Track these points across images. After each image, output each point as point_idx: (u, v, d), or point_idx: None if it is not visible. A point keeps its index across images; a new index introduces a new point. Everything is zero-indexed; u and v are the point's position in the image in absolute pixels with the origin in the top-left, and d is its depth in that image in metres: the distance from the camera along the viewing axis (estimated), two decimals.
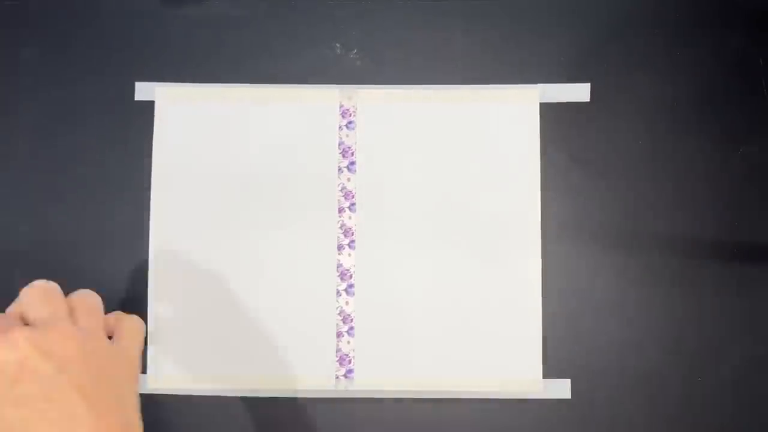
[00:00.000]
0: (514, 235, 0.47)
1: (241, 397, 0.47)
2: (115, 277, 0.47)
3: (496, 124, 0.48)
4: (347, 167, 0.48)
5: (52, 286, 0.37)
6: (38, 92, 0.49)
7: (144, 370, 0.47)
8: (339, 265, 0.47)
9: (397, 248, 0.47)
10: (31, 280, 0.45)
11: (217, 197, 0.48)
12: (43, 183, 0.48)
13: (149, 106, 0.48)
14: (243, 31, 0.49)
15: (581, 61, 0.49)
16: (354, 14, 0.49)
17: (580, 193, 0.48)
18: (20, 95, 0.49)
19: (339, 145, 0.48)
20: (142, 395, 0.47)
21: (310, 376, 0.47)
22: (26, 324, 0.35)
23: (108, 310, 0.47)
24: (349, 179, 0.48)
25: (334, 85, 0.49)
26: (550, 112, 0.48)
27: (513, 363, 0.47)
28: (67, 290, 0.37)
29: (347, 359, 0.47)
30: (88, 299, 0.38)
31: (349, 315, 0.47)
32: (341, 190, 0.48)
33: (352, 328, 0.47)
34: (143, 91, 0.49)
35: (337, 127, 0.48)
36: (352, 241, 0.48)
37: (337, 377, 0.47)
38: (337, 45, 0.49)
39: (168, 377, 0.47)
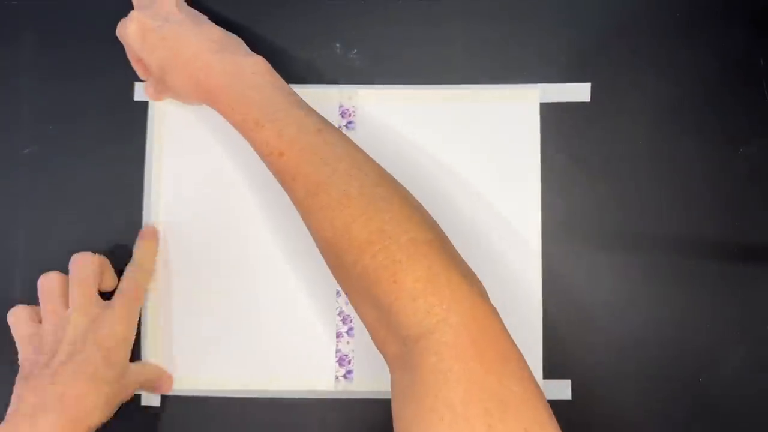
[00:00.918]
0: (514, 235, 0.47)
1: (241, 397, 0.47)
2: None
3: (496, 124, 0.48)
4: None
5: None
6: (38, 92, 0.49)
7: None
8: None
9: None
10: (30, 281, 0.45)
11: (216, 198, 0.48)
12: (43, 183, 0.48)
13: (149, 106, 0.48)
14: (242, 31, 0.49)
15: (581, 61, 0.49)
16: (354, 14, 0.49)
17: (580, 193, 0.48)
18: (20, 95, 0.49)
19: None
20: (141, 396, 0.47)
21: (309, 377, 0.47)
22: None
23: None
24: None
25: (334, 85, 0.49)
26: (550, 112, 0.48)
27: None
28: None
29: (347, 359, 0.47)
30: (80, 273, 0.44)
31: (348, 315, 0.47)
32: None
33: (351, 328, 0.47)
34: (143, 91, 0.48)
35: (337, 127, 0.48)
36: None
37: (336, 377, 0.47)
38: (337, 45, 0.49)
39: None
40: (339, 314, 0.47)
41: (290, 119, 0.39)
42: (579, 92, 0.48)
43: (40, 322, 0.44)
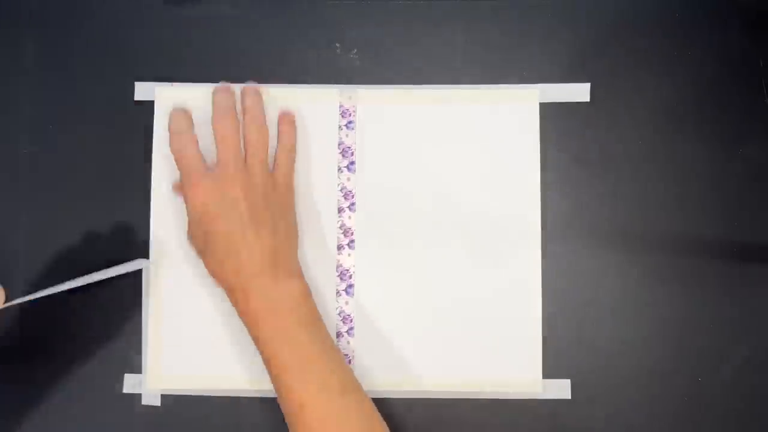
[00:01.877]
0: (514, 235, 0.47)
1: (241, 397, 0.47)
2: (114, 277, 0.47)
3: (496, 124, 0.48)
4: (347, 167, 0.48)
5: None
6: (38, 92, 0.49)
7: (143, 371, 0.47)
8: (339, 265, 0.47)
9: (397, 248, 0.47)
10: (30, 281, 0.45)
11: None
12: (43, 183, 0.48)
13: (149, 106, 0.48)
14: (243, 32, 0.49)
15: (581, 61, 0.49)
16: (354, 14, 0.49)
17: (580, 193, 0.48)
18: (20, 95, 0.49)
19: (339, 145, 0.48)
20: (141, 396, 0.47)
21: None
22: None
23: (107, 310, 0.47)
24: (349, 179, 0.48)
25: (334, 85, 0.49)
26: (550, 112, 0.48)
27: (513, 363, 0.47)
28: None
29: (347, 359, 0.47)
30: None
31: (349, 315, 0.47)
32: (341, 190, 0.48)
33: (352, 328, 0.47)
34: (143, 91, 0.49)
35: (337, 127, 0.48)
36: (352, 241, 0.47)
37: None
38: (337, 45, 0.49)
39: (168, 377, 0.47)
40: (339, 314, 0.47)
41: (313, 375, 0.41)
42: (579, 92, 0.48)
43: None
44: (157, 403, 0.47)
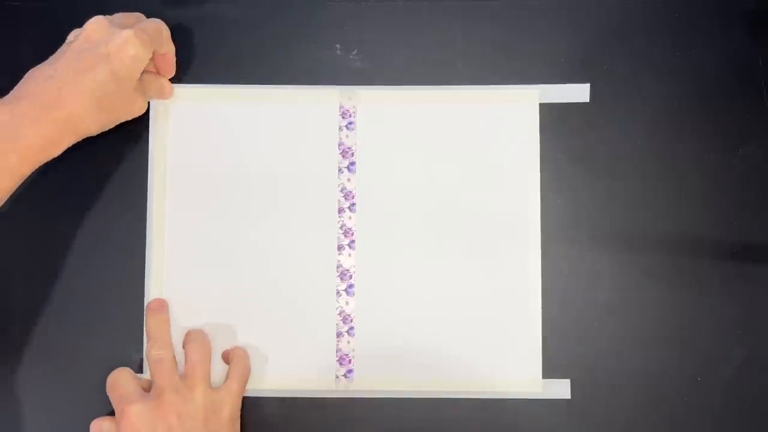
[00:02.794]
0: (514, 235, 0.47)
1: (241, 396, 0.47)
2: (113, 278, 0.47)
3: (496, 125, 0.48)
4: (347, 167, 0.48)
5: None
6: None
7: (144, 371, 0.47)
8: (339, 266, 0.47)
9: (397, 248, 0.47)
10: (29, 281, 0.45)
11: (217, 197, 0.48)
12: (43, 183, 0.48)
13: (149, 106, 0.48)
14: (243, 32, 0.49)
15: (581, 61, 0.49)
16: (354, 14, 0.49)
17: (580, 193, 0.48)
18: None
19: (339, 145, 0.48)
20: None
21: (310, 376, 0.47)
22: None
23: (106, 310, 0.47)
24: (349, 179, 0.48)
25: (334, 86, 0.49)
26: (550, 112, 0.48)
27: (513, 363, 0.47)
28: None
29: (347, 359, 0.47)
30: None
31: (349, 315, 0.47)
32: (341, 191, 0.48)
33: (352, 328, 0.47)
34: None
35: (337, 127, 0.48)
36: (352, 242, 0.48)
37: (337, 377, 0.47)
38: (337, 45, 0.49)
39: None
40: (339, 314, 0.47)
41: None
42: (578, 93, 0.48)
43: None
44: None
